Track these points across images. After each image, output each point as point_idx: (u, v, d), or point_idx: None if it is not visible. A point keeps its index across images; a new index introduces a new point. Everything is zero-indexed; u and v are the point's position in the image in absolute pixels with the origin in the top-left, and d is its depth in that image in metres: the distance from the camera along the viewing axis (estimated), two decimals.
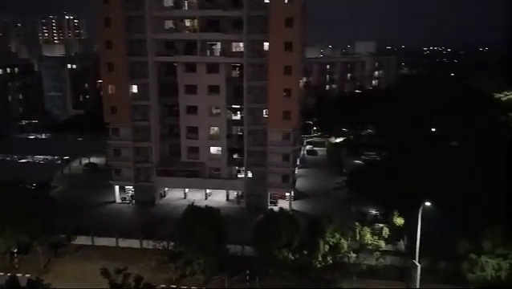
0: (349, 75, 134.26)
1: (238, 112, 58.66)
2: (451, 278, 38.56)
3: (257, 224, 39.45)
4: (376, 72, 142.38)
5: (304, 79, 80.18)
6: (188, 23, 58.17)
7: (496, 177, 45.14)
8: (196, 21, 56.59)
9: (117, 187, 60.29)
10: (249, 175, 58.02)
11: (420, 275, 37.09)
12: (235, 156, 59.45)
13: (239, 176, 59.49)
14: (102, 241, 47.28)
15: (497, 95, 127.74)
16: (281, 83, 53.41)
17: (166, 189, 62.30)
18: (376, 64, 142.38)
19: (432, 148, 58.24)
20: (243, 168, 58.39)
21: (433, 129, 73.20)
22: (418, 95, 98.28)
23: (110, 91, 57.41)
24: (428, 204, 36.35)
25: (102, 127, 60.12)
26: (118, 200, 60.20)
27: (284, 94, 53.81)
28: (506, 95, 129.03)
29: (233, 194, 60.32)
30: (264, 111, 55.78)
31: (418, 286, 37.05)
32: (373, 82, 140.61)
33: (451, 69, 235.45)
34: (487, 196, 41.51)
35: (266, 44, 53.63)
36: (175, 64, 57.66)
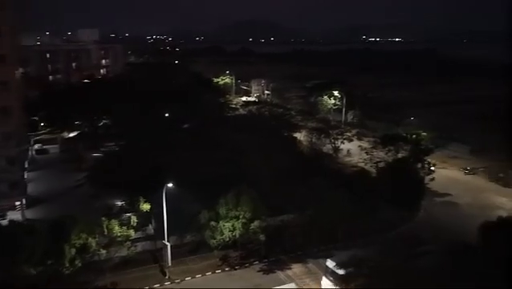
0: (74, 64, 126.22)
1: None
2: (198, 247, 42.61)
3: None
4: (103, 61, 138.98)
5: (21, 70, 70.45)
6: None
7: (222, 150, 51.86)
8: None
9: None
10: None
11: (171, 253, 39.25)
12: None
13: None
14: None
15: (215, 80, 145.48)
16: None
17: None
18: (102, 52, 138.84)
19: (167, 132, 61.64)
20: None
21: (166, 114, 77.31)
22: (148, 81, 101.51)
23: None
24: (170, 185, 38.47)
25: None
26: None
27: None
28: (223, 80, 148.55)
29: None
30: None
31: (170, 264, 39.09)
32: (101, 71, 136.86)
33: (175, 56, 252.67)
34: (215, 167, 47.25)
35: None
36: None
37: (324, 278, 36.14)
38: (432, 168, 55.93)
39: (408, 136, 63.36)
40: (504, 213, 39.53)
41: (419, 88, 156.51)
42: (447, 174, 66.89)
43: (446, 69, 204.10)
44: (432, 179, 54.82)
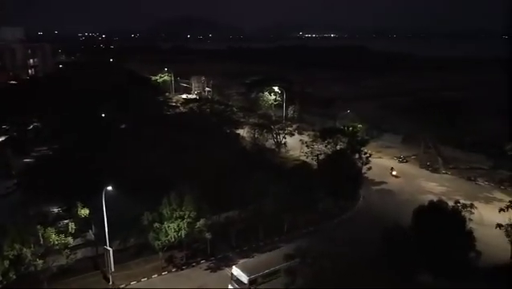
0: None
1: None
2: (142, 250, 41.55)
3: None
4: (31, 60, 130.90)
5: None
6: None
7: (162, 149, 50.95)
8: None
9: None
10: None
11: (114, 258, 37.96)
12: None
13: None
14: None
15: (153, 78, 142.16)
16: None
17: None
18: (29, 52, 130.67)
19: (104, 133, 59.30)
20: None
21: (103, 114, 74.35)
22: (82, 81, 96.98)
23: None
24: (109, 188, 37.12)
25: None
26: None
27: None
28: (161, 78, 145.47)
29: None
30: None
31: (113, 269, 37.82)
32: (29, 71, 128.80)
33: (109, 54, 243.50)
34: (156, 167, 46.33)
35: None
36: None
37: (230, 286, 35.78)
38: (369, 158, 58.51)
39: (345, 128, 65.87)
40: (434, 198, 42.33)
41: (352, 83, 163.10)
42: (382, 163, 70.42)
43: (376, 64, 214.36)
44: (369, 168, 57.44)
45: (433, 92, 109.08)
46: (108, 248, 37.80)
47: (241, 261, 39.28)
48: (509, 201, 40.64)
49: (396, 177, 60.55)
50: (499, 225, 38.48)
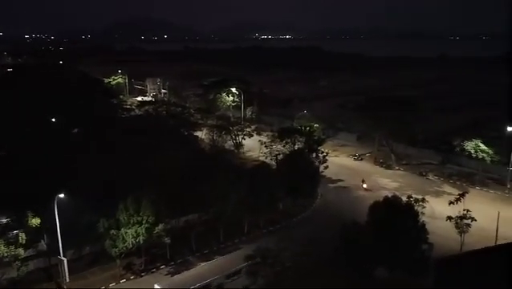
0: None
1: None
2: (99, 258, 40.17)
3: None
4: None
5: None
6: None
7: (117, 153, 49.51)
8: None
9: None
10: None
11: (69, 268, 36.50)
12: None
13: None
14: None
15: (106, 80, 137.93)
16: None
17: None
18: None
19: (54, 139, 56.81)
20: None
21: (53, 119, 71.19)
22: (30, 84, 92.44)
23: None
24: (61, 196, 35.65)
25: None
26: None
27: None
28: (115, 80, 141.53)
29: None
30: None
31: (68, 280, 36.37)
32: None
33: (58, 56, 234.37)
34: (111, 172, 45.05)
35: None
36: None
37: None
38: (326, 156, 59.63)
39: (302, 128, 66.81)
40: (388, 193, 43.77)
41: (308, 83, 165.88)
42: (339, 161, 72.05)
43: (330, 64, 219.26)
44: (327, 167, 58.56)
45: (385, 91, 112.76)
46: (62, 258, 36.36)
47: (167, 278, 38.38)
48: (458, 195, 42.68)
49: (366, 190, 59.48)
50: (449, 218, 40.32)
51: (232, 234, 45.21)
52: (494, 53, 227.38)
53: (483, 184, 61.09)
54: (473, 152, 60.55)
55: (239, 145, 73.90)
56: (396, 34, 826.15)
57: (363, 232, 35.14)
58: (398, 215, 35.05)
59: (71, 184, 38.47)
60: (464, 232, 39.82)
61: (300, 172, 49.94)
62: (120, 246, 36.92)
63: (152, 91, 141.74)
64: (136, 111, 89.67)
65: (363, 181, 59.37)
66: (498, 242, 40.36)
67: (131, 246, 37.21)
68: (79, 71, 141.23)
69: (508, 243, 38.58)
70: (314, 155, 58.51)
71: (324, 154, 59.65)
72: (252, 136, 75.55)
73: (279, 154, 59.02)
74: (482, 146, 59.77)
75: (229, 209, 42.17)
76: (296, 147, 59.75)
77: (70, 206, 36.95)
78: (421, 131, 74.59)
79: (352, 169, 69.55)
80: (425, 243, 35.40)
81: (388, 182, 63.69)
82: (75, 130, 67.37)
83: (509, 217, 45.70)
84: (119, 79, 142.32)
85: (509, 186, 58.59)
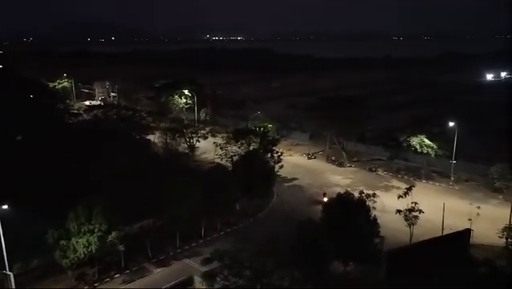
0: None
1: None
2: (49, 271, 38.11)
3: None
4: None
5: None
6: None
7: (65, 160, 47.48)
8: None
9: None
10: None
11: (16, 283, 34.56)
12: None
13: None
14: None
15: (51, 84, 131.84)
16: None
17: None
18: None
19: None
20: None
21: None
22: None
23: None
24: (5, 206, 33.73)
25: None
26: None
27: None
28: (60, 84, 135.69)
29: None
30: None
31: None
32: None
33: None
34: (58, 180, 43.21)
35: None
36: None
37: None
38: (281, 156, 60.32)
39: (257, 129, 67.19)
40: (341, 190, 44.96)
41: (260, 84, 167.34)
42: (293, 160, 73.14)
43: (280, 65, 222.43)
44: (282, 166, 59.20)
45: (333, 91, 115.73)
46: (8, 272, 34.36)
47: (122, 286, 37.48)
48: (406, 188, 44.59)
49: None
50: (398, 211, 42.02)
51: (188, 238, 44.65)
52: (436, 53, 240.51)
53: (429, 177, 64.23)
54: (418, 147, 63.43)
55: (194, 148, 73.13)
56: (345, 35, 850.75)
57: (318, 229, 35.84)
58: (351, 211, 36.10)
59: (16, 193, 36.47)
60: (412, 224, 41.58)
61: (255, 172, 50.18)
62: (71, 256, 35.48)
63: (100, 94, 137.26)
64: (85, 115, 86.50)
65: (325, 194, 55.44)
66: (444, 232, 42.73)
67: (82, 255, 35.84)
68: (20, 76, 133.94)
69: (453, 233, 41.06)
70: (269, 155, 59.06)
71: (279, 154, 60.36)
72: (207, 138, 75.01)
73: (234, 155, 59.04)
74: (427, 141, 62.77)
75: (184, 213, 41.61)
76: (251, 148, 60.01)
77: (15, 217, 35.06)
78: (369, 129, 77.22)
79: (306, 168, 70.83)
80: (377, 237, 36.71)
81: (340, 179, 65.42)
82: (19, 137, 63.90)
83: (453, 208, 48.41)
84: (65, 84, 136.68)
85: (452, 178, 61.89)
